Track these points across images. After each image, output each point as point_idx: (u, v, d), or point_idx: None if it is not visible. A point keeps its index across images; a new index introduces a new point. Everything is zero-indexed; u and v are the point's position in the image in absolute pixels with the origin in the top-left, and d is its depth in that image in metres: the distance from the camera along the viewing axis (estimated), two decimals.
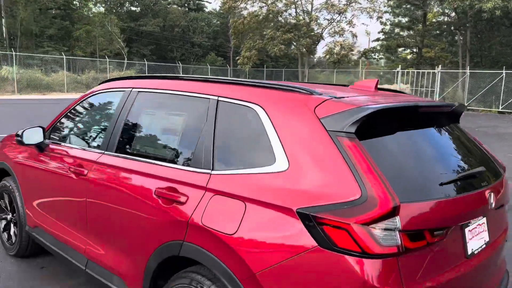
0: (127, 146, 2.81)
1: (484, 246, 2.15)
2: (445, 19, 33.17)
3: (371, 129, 1.93)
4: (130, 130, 2.84)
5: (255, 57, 34.39)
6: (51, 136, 3.53)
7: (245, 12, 34.11)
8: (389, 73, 35.21)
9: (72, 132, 3.46)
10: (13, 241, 3.97)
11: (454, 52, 33.35)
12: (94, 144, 3.10)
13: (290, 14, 34.25)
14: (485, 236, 2.18)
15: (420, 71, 27.86)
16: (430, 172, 2.01)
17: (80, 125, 3.47)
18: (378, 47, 37.99)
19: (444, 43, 34.73)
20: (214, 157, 2.24)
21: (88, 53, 39.54)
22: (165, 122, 2.81)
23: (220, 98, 2.35)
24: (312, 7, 34.07)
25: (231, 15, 35.06)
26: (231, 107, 2.29)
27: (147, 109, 2.89)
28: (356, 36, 33.25)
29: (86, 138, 3.31)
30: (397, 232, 1.69)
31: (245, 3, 33.23)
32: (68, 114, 3.52)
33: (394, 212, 1.67)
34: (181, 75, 2.79)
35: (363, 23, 60.81)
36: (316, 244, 1.74)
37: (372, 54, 39.03)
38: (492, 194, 2.13)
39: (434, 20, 33.66)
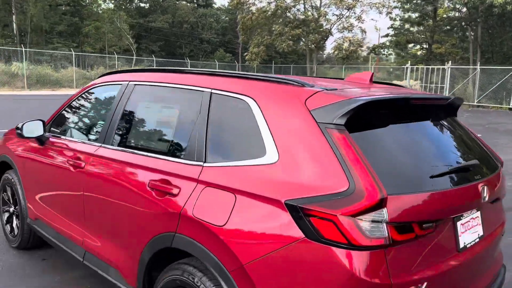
0: (123, 139, 2.82)
1: (478, 240, 2.13)
2: (456, 15, 32.78)
3: (362, 121, 1.92)
4: (126, 123, 2.86)
5: (263, 53, 34.34)
6: (52, 129, 3.56)
7: (253, 8, 34.04)
8: (398, 69, 34.93)
9: (71, 125, 3.49)
10: (16, 234, 4.02)
11: (465, 48, 32.98)
12: (92, 137, 3.12)
13: (298, 10, 34.17)
14: (479, 230, 2.16)
15: (430, 67, 27.59)
16: (421, 165, 2.00)
17: (79, 118, 3.49)
18: (388, 43, 37.70)
19: (455, 39, 34.35)
20: (206, 150, 2.24)
21: (97, 49, 39.78)
22: (160, 114, 2.82)
23: (213, 91, 2.35)
24: (320, 2, 33.91)
25: (239, 11, 35.01)
26: (224, 100, 2.29)
27: (143, 102, 2.90)
28: (365, 32, 33.10)
29: (85, 131, 3.34)
30: (384, 224, 1.68)
31: None
32: (68, 107, 3.55)
33: (381, 204, 1.66)
34: (177, 68, 2.79)
35: (372, 19, 60.65)
36: (303, 236, 1.73)
37: (381, 50, 38.73)
38: (485, 187, 2.11)
39: (444, 15, 33.28)
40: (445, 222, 1.92)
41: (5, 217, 4.19)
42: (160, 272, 2.38)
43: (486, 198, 2.12)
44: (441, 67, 26.81)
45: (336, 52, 33.49)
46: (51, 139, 3.44)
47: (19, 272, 3.60)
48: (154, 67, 3.30)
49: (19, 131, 3.45)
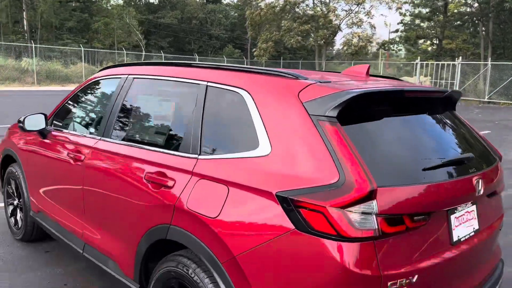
0: (122, 132, 2.84)
1: (473, 233, 2.12)
2: (467, 10, 32.41)
3: (355, 114, 1.92)
4: (124, 116, 2.88)
5: (272, 49, 34.28)
6: (54, 122, 3.59)
7: (262, 4, 33.96)
8: (408, 65, 34.62)
9: (72, 119, 3.52)
10: (19, 226, 4.08)
11: (476, 43, 32.61)
12: (92, 130, 3.15)
13: (307, 5, 34.00)
14: (474, 224, 2.14)
15: (440, 63, 27.33)
16: (414, 158, 1.98)
17: (80, 112, 3.53)
18: (397, 39, 37.40)
19: (466, 34, 33.97)
20: (201, 142, 2.25)
21: (106, 45, 40.03)
22: (157, 107, 2.84)
23: (209, 84, 2.36)
24: None
25: (247, 6, 34.95)
26: (219, 92, 2.30)
27: (141, 95, 2.92)
28: (374, 27, 32.84)
29: (85, 124, 3.37)
30: (374, 216, 1.67)
31: None
32: (69, 101, 3.58)
33: (370, 196, 1.66)
34: (175, 61, 2.80)
35: (381, 14, 60.05)
36: (294, 227, 1.74)
37: (391, 46, 38.45)
38: (481, 181, 2.09)
39: (455, 10, 32.92)
40: (438, 215, 1.91)
41: (10, 210, 4.25)
42: (156, 264, 2.40)
43: (481, 192, 2.10)
44: (451, 63, 26.54)
45: (345, 48, 33.31)
46: (53, 133, 3.47)
47: (23, 263, 3.65)
48: (154, 61, 3.33)
49: (21, 125, 3.49)
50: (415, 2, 33.49)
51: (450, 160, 2.07)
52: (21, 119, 3.49)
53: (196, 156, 2.23)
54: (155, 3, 51.86)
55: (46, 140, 3.50)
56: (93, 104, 3.44)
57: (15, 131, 4.11)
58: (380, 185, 1.70)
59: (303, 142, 1.86)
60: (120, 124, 2.86)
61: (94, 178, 2.83)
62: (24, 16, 38.28)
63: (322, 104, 1.88)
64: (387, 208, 1.70)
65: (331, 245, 1.67)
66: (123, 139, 2.78)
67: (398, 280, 1.72)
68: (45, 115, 3.53)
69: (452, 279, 2.01)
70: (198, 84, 2.41)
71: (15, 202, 4.16)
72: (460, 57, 26.94)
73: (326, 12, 32.53)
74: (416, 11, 34.87)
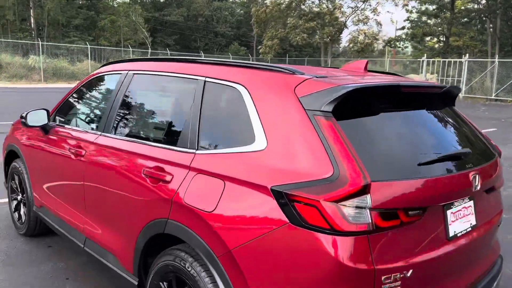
0: (121, 128, 2.86)
1: (470, 229, 2.11)
2: (474, 6, 32.13)
3: (350, 109, 1.92)
4: (124, 111, 2.90)
5: (277, 46, 34.21)
6: (56, 118, 3.63)
7: (267, 1, 33.90)
8: (415, 63, 34.42)
9: (74, 114, 3.55)
10: (23, 221, 4.12)
11: (483, 40, 32.33)
12: (93, 125, 3.17)
13: (313, 2, 33.89)
14: (471, 219, 2.14)
15: (447, 60, 27.14)
16: (409, 153, 1.98)
17: (81, 108, 3.55)
18: (404, 36, 37.18)
19: (474, 31, 33.68)
20: (199, 137, 2.26)
21: (113, 43, 40.17)
22: (156, 103, 2.86)
23: (207, 79, 2.37)
24: None
25: (253, 3, 34.90)
26: (217, 88, 2.31)
27: (141, 91, 2.94)
28: (380, 25, 32.69)
29: (87, 120, 3.39)
30: (368, 210, 1.67)
31: None
32: (71, 97, 3.61)
33: (364, 190, 1.66)
34: (174, 57, 2.81)
35: (388, 11, 59.60)
36: (288, 221, 1.74)
37: (397, 43, 38.23)
38: (477, 176, 2.08)
39: (462, 7, 32.66)
40: (433, 210, 1.91)
41: (14, 205, 4.29)
42: (155, 258, 2.42)
43: (478, 187, 2.09)
44: (458, 60, 26.36)
45: (351, 45, 33.18)
46: (55, 128, 3.50)
47: (26, 258, 3.69)
48: (154, 57, 3.36)
49: (23, 120, 3.52)
50: None
51: (446, 155, 2.06)
52: (24, 115, 3.52)
53: (193, 151, 2.24)
54: (161, 0, 51.93)
55: (48, 136, 3.53)
56: (94, 100, 3.47)
57: (18, 127, 4.15)
58: (374, 179, 1.70)
59: (299, 137, 1.86)
60: (120, 120, 2.88)
61: (94, 173, 2.86)
62: (31, 14, 38.51)
63: (318, 99, 1.89)
64: (381, 203, 1.70)
65: (325, 239, 1.68)
66: (123, 135, 2.80)
67: (392, 275, 1.72)
68: (47, 110, 3.55)
69: (448, 274, 2.01)
70: (197, 79, 2.42)
71: (19, 197, 4.21)
72: (467, 54, 26.75)
73: (332, 9, 32.41)
74: (423, 8, 34.62)
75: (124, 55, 34.16)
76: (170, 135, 2.51)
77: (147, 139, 2.62)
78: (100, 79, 3.39)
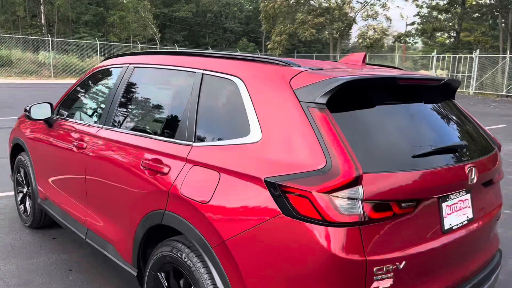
0: (121, 120, 2.89)
1: (466, 222, 2.10)
2: (486, 1, 31.71)
3: (345, 101, 1.91)
4: (124, 104, 2.92)
5: (286, 42, 34.12)
6: (60, 112, 3.67)
7: None
8: (425, 58, 34.08)
9: (76, 108, 3.59)
10: (28, 213, 4.18)
11: (495, 36, 31.91)
12: (95, 119, 3.21)
13: None
14: (468, 213, 2.13)
15: (457, 56, 26.86)
16: (404, 145, 1.97)
17: (83, 101, 3.59)
18: (413, 31, 36.82)
19: (485, 27, 33.25)
20: (196, 130, 2.28)
21: (122, 39, 40.36)
22: (156, 96, 2.88)
23: (204, 72, 2.38)
24: None
25: None
26: (214, 80, 2.32)
27: (140, 84, 2.95)
28: (390, 20, 32.42)
29: (89, 113, 3.43)
30: (360, 201, 1.68)
31: None
32: (74, 90, 3.65)
33: (356, 181, 1.66)
34: (175, 50, 2.83)
35: (397, 6, 58.90)
36: (281, 212, 1.75)
37: (407, 39, 37.87)
38: (474, 169, 2.07)
39: (473, 2, 32.25)
40: (428, 203, 1.90)
41: (19, 198, 4.36)
42: (153, 250, 2.45)
43: (475, 180, 2.08)
44: (468, 55, 26.08)
45: (360, 41, 32.97)
46: (58, 122, 3.54)
47: (30, 249, 3.75)
48: (154, 50, 3.35)
49: (26, 113, 3.56)
50: None
51: (442, 148, 2.05)
52: (27, 108, 3.56)
53: (191, 143, 2.26)
54: None
55: (52, 129, 3.57)
56: (96, 93, 3.50)
57: (24, 121, 4.20)
58: (367, 171, 1.70)
59: (293, 129, 1.87)
60: (120, 113, 2.91)
61: (95, 165, 2.89)
62: (42, 10, 38.83)
63: (312, 91, 1.89)
64: (373, 194, 1.70)
65: (317, 230, 1.68)
66: (123, 127, 2.83)
67: (385, 266, 1.73)
68: (51, 104, 3.59)
69: (443, 267, 2.01)
70: (195, 72, 2.43)
71: (24, 190, 4.27)
72: (478, 50, 26.45)
73: (341, 5, 32.20)
74: (433, 2, 34.25)
75: (133, 51, 34.24)
76: (168, 128, 2.53)
77: (146, 131, 2.65)
78: (102, 72, 3.42)
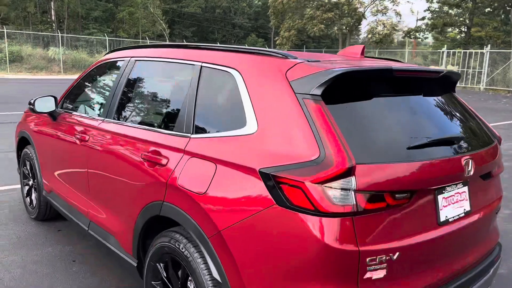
0: (122, 113, 2.92)
1: (463, 215, 2.10)
2: None
3: (341, 92, 1.92)
4: (125, 97, 2.95)
5: (295, 37, 34.01)
6: (64, 105, 3.71)
7: None
8: (435, 54, 33.72)
9: (80, 101, 3.63)
10: (34, 206, 4.24)
11: (507, 31, 31.46)
12: (97, 112, 3.24)
13: None
14: (465, 205, 2.12)
15: (468, 51, 26.55)
16: (399, 137, 1.97)
17: (86, 94, 3.63)
18: (423, 26, 36.43)
19: (497, 22, 32.78)
20: (194, 122, 2.30)
21: (131, 34, 40.53)
22: (155, 88, 2.90)
23: (203, 64, 2.39)
24: None
25: None
26: (212, 73, 2.33)
27: (141, 77, 2.98)
28: (400, 15, 32.12)
29: (91, 106, 3.46)
30: (352, 192, 1.68)
31: None
32: (78, 84, 3.68)
33: (349, 172, 1.67)
34: (174, 43, 2.85)
35: (408, 1, 58.19)
36: (274, 202, 1.76)
37: (417, 34, 37.48)
38: (471, 161, 2.06)
39: None
40: (423, 194, 1.90)
41: (26, 190, 4.42)
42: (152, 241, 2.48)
43: (471, 173, 2.06)
44: (479, 51, 25.77)
45: (369, 36, 32.74)
46: (62, 115, 3.58)
47: (35, 241, 3.81)
48: (156, 43, 3.38)
49: (31, 106, 3.61)
50: None
51: (438, 140, 2.04)
52: (32, 101, 3.61)
53: (189, 135, 2.28)
54: None
55: (56, 122, 3.61)
56: (99, 87, 3.53)
57: (30, 114, 4.25)
58: (361, 162, 1.70)
59: (288, 120, 1.87)
60: (121, 106, 2.93)
61: (97, 158, 2.93)
62: (52, 6, 39.13)
63: (308, 82, 1.89)
64: (366, 185, 1.70)
65: (309, 220, 1.69)
66: (124, 120, 2.86)
67: (378, 257, 1.73)
68: (55, 97, 3.64)
69: (439, 259, 2.00)
70: (194, 64, 2.45)
71: (30, 183, 4.33)
72: (489, 45, 26.11)
73: (350, 0, 31.97)
74: None
75: None
76: (168, 120, 2.55)
77: (146, 124, 2.67)
78: (105, 66, 3.46)
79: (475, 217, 2.18)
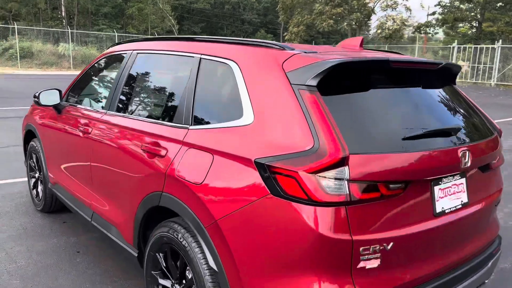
0: (124, 105, 2.95)
1: (460, 206, 2.09)
2: None
3: (336, 83, 1.92)
4: (127, 90, 2.98)
5: (304, 33, 33.87)
6: (68, 98, 3.75)
7: None
8: (446, 49, 33.35)
9: (83, 94, 3.67)
10: (40, 198, 4.30)
11: None
12: (100, 104, 3.28)
13: None
14: (463, 197, 2.11)
15: (479, 46, 26.23)
16: (395, 128, 1.97)
17: (90, 87, 3.67)
18: (434, 21, 35.98)
19: (509, 17, 32.28)
20: (193, 113, 2.32)
21: (141, 30, 40.68)
22: (156, 81, 2.93)
23: (202, 56, 2.41)
24: None
25: None
26: (211, 64, 2.35)
27: (142, 70, 3.00)
28: (410, 10, 31.81)
29: (94, 99, 3.51)
30: (346, 181, 1.69)
31: None
32: (82, 77, 3.72)
33: (342, 162, 1.67)
34: (175, 36, 2.86)
35: None
36: (269, 192, 1.78)
37: (427, 29, 37.05)
38: (468, 153, 2.05)
39: None
40: (419, 185, 1.90)
41: (32, 183, 4.48)
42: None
43: (468, 164, 2.05)
44: (490, 46, 25.46)
45: (379, 31, 32.49)
46: (67, 108, 3.63)
47: (40, 232, 3.87)
48: (157, 36, 3.41)
49: (36, 99, 3.65)
50: None
51: (434, 131, 2.03)
52: (37, 94, 3.65)
53: (187, 126, 2.30)
54: None
55: (60, 115, 3.66)
56: (102, 79, 3.57)
57: (36, 107, 4.31)
58: (355, 152, 1.71)
59: (283, 111, 1.88)
60: (123, 98, 2.97)
61: (99, 150, 2.96)
62: (62, 3, 39.40)
63: (303, 73, 1.90)
64: (360, 175, 1.71)
65: (303, 210, 1.70)
66: (125, 112, 2.89)
67: (371, 246, 1.74)
68: (59, 91, 3.68)
69: (435, 250, 2.00)
70: (193, 57, 2.46)
71: (36, 175, 4.39)
72: (501, 40, 25.77)
73: None
74: None
75: None
76: (167, 112, 2.58)
77: (147, 116, 2.70)
78: (108, 59, 3.49)
79: (473, 209, 2.17)
